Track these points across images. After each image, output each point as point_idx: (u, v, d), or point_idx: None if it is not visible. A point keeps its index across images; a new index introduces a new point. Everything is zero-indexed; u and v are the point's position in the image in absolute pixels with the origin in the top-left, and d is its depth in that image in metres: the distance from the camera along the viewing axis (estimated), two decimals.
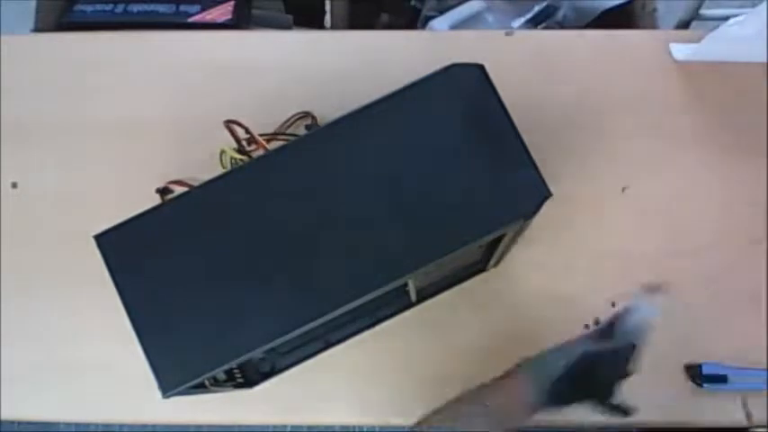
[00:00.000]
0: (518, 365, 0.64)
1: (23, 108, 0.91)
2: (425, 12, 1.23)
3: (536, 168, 0.56)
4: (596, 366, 0.63)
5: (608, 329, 0.66)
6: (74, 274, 0.83)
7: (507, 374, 0.64)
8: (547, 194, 0.56)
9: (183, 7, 1.02)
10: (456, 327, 0.81)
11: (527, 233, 0.64)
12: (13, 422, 0.84)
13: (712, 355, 0.79)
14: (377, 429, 0.79)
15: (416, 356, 0.81)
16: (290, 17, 1.19)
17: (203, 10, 1.02)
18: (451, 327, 0.81)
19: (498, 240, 0.64)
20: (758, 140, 0.86)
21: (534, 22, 1.17)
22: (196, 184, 0.58)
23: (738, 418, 0.78)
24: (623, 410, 0.65)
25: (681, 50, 0.89)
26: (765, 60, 0.86)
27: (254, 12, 1.10)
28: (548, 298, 0.82)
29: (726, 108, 0.88)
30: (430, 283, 0.78)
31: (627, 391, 0.78)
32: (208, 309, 0.55)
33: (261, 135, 0.81)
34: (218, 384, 0.67)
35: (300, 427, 0.83)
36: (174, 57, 0.92)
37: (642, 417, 0.78)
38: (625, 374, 0.64)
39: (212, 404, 0.77)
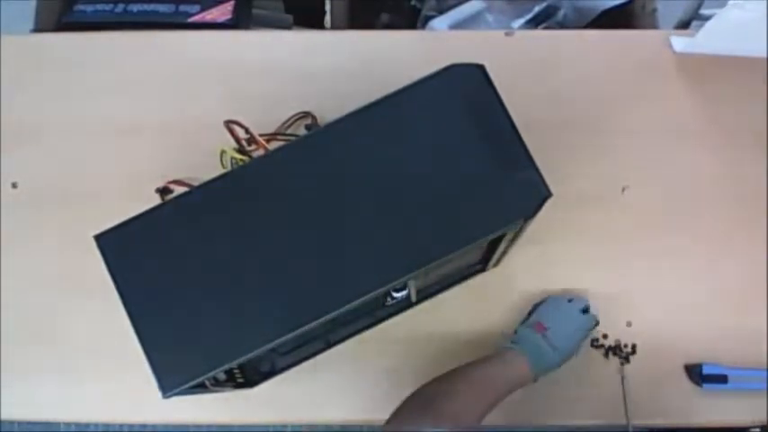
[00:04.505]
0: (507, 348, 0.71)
1: (23, 108, 0.91)
2: (425, 12, 1.23)
3: (536, 168, 0.56)
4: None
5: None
6: (74, 274, 0.83)
7: (495, 355, 0.70)
8: (547, 194, 0.56)
9: (182, 7, 1.02)
10: (456, 326, 0.81)
11: (527, 233, 0.64)
12: (13, 422, 0.84)
13: (712, 356, 0.79)
14: (377, 429, 0.79)
15: (416, 356, 0.81)
16: (290, 17, 1.19)
17: (203, 10, 1.02)
18: (451, 326, 0.81)
19: (498, 240, 0.64)
20: (758, 139, 0.86)
21: (534, 23, 1.17)
22: (196, 184, 0.58)
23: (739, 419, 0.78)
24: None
25: (680, 42, 0.89)
26: (765, 55, 0.86)
27: (254, 12, 1.10)
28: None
29: (726, 107, 0.88)
30: (430, 283, 0.78)
31: (628, 392, 0.79)
32: (208, 309, 0.55)
33: (261, 135, 0.81)
34: (218, 384, 0.67)
35: (300, 426, 0.83)
36: (174, 57, 0.92)
37: (642, 417, 0.78)
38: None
39: (212, 404, 0.77)
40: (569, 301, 0.77)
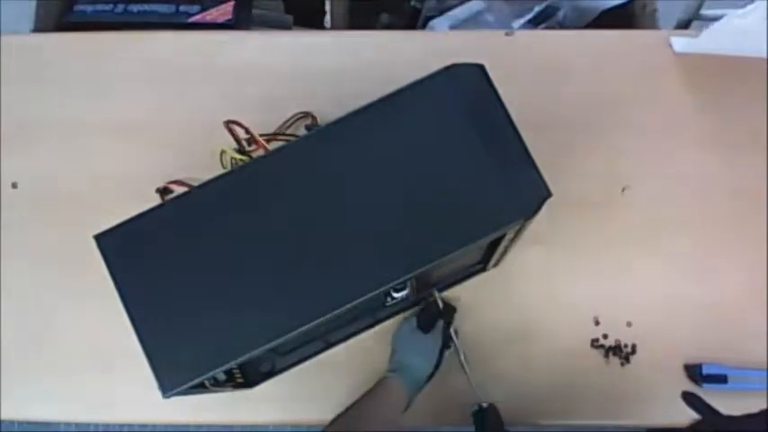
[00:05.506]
0: (384, 379, 0.72)
1: (24, 108, 0.91)
2: (425, 12, 1.23)
3: (536, 168, 0.56)
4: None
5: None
6: (73, 274, 0.83)
7: (377, 386, 0.71)
8: (547, 194, 0.56)
9: (183, 7, 1.02)
10: (455, 326, 0.81)
11: (527, 233, 0.64)
12: (13, 422, 0.84)
13: (712, 356, 0.79)
14: None
15: None
16: (290, 17, 1.19)
17: (203, 10, 1.02)
18: None
19: (498, 240, 0.64)
20: (758, 139, 0.86)
21: (534, 23, 1.17)
22: (196, 184, 0.58)
23: None
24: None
25: (680, 42, 0.89)
26: (765, 55, 0.86)
27: (254, 12, 1.10)
28: (548, 298, 0.82)
29: (726, 107, 0.88)
30: (430, 283, 0.78)
31: (626, 391, 0.79)
32: (208, 309, 0.55)
33: (261, 135, 0.81)
34: (218, 384, 0.67)
35: (300, 426, 0.83)
36: (174, 57, 0.92)
37: (642, 417, 0.79)
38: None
39: (212, 404, 0.77)
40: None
